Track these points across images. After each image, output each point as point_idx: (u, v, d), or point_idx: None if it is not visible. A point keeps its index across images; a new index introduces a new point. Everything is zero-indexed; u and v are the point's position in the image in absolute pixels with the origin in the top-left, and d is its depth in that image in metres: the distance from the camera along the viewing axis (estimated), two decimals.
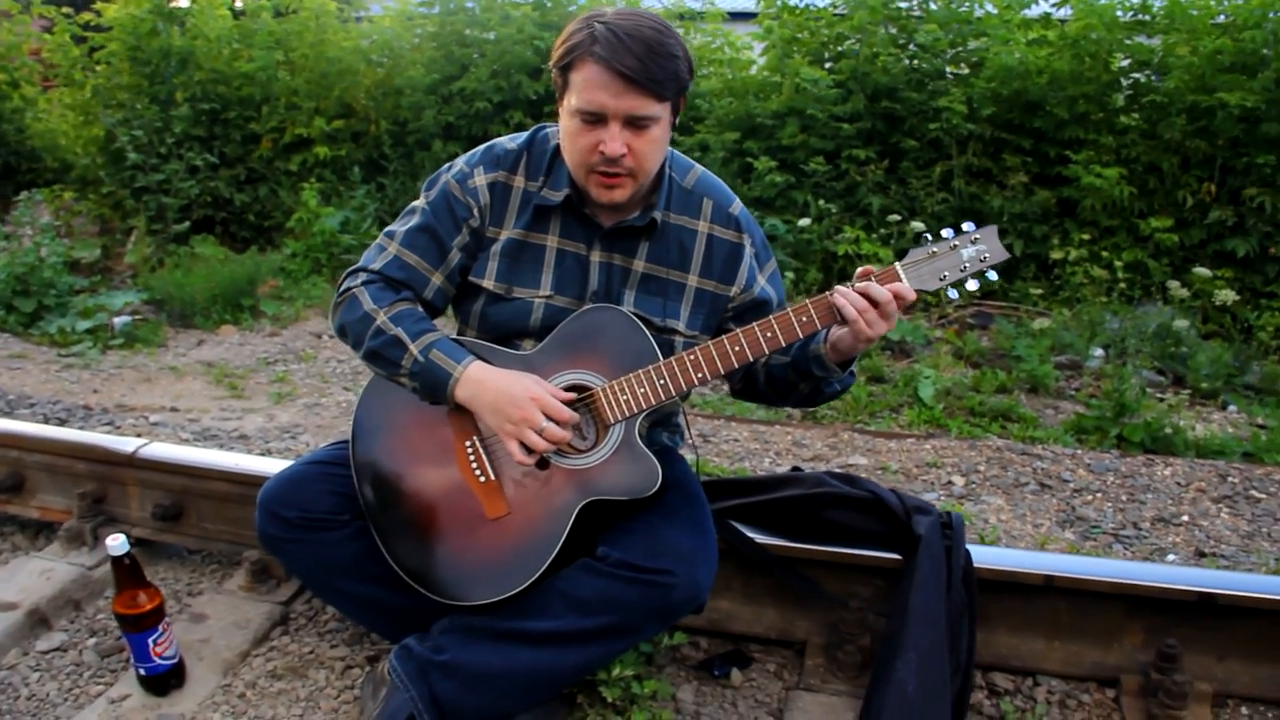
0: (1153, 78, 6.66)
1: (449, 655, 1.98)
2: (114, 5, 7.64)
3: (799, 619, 2.36)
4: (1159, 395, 4.90)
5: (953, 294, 1.99)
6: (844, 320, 1.89)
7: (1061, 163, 6.78)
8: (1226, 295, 5.26)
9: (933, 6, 7.45)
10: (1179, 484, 3.58)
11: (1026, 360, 5.30)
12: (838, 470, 2.78)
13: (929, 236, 1.98)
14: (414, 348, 1.92)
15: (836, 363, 2.00)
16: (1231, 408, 4.92)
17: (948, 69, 7.46)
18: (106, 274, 7.06)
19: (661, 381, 1.94)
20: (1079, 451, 3.91)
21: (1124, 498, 3.48)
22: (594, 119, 1.87)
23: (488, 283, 2.06)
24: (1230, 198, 6.21)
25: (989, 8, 7.35)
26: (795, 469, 2.69)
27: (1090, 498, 3.47)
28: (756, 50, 8.29)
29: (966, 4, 7.43)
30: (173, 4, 8.09)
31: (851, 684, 2.21)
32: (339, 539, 2.06)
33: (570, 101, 1.89)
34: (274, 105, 7.72)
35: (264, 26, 7.78)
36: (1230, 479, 3.60)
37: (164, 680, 2.18)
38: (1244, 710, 2.15)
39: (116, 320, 5.70)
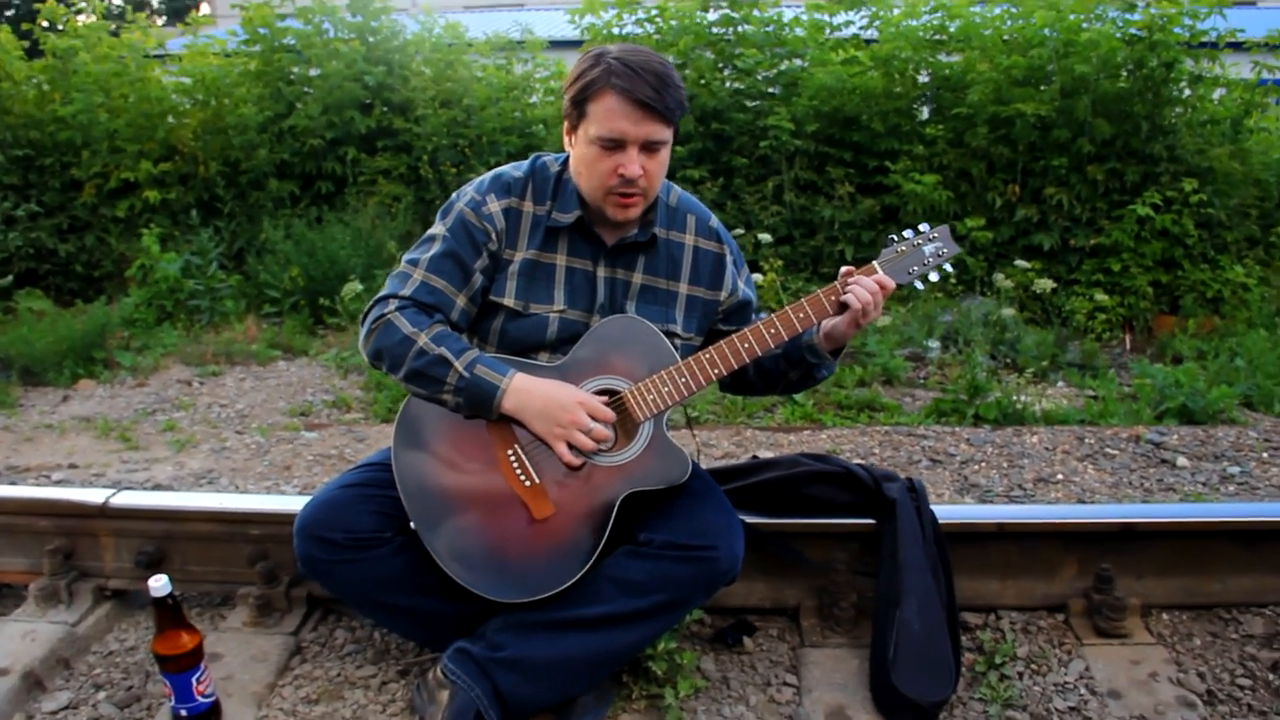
0: (954, 92, 7.38)
1: (508, 651, 2.11)
2: None
3: (787, 588, 2.61)
4: (997, 378, 5.49)
5: (919, 285, 2.32)
6: (843, 311, 2.18)
7: (881, 172, 7.41)
8: (1045, 284, 5.94)
9: (744, 30, 7.94)
10: (1047, 449, 4.08)
11: (879, 355, 5.79)
12: (809, 451, 3.05)
13: (894, 238, 2.30)
14: (459, 364, 2.05)
15: (829, 350, 2.28)
16: (1061, 383, 5.57)
17: (767, 90, 7.98)
18: None
19: (683, 380, 2.16)
20: (957, 429, 4.37)
21: (1005, 464, 3.94)
22: (614, 145, 2.08)
23: (508, 300, 2.21)
24: (1033, 197, 6.99)
25: (799, 31, 7.93)
26: (754, 457, 2.96)
27: (977, 467, 3.92)
28: None
29: (773, 26, 7.99)
30: None
31: (849, 637, 2.48)
32: (384, 555, 2.16)
33: (589, 131, 2.09)
34: (95, 149, 7.38)
35: (80, 67, 7.41)
36: (1087, 440, 4.14)
37: (206, 719, 2.19)
38: (1165, 617, 2.56)
39: None
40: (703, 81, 7.79)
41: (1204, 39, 6.70)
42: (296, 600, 2.63)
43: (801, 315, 2.20)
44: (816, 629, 2.52)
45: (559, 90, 8.42)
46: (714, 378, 2.19)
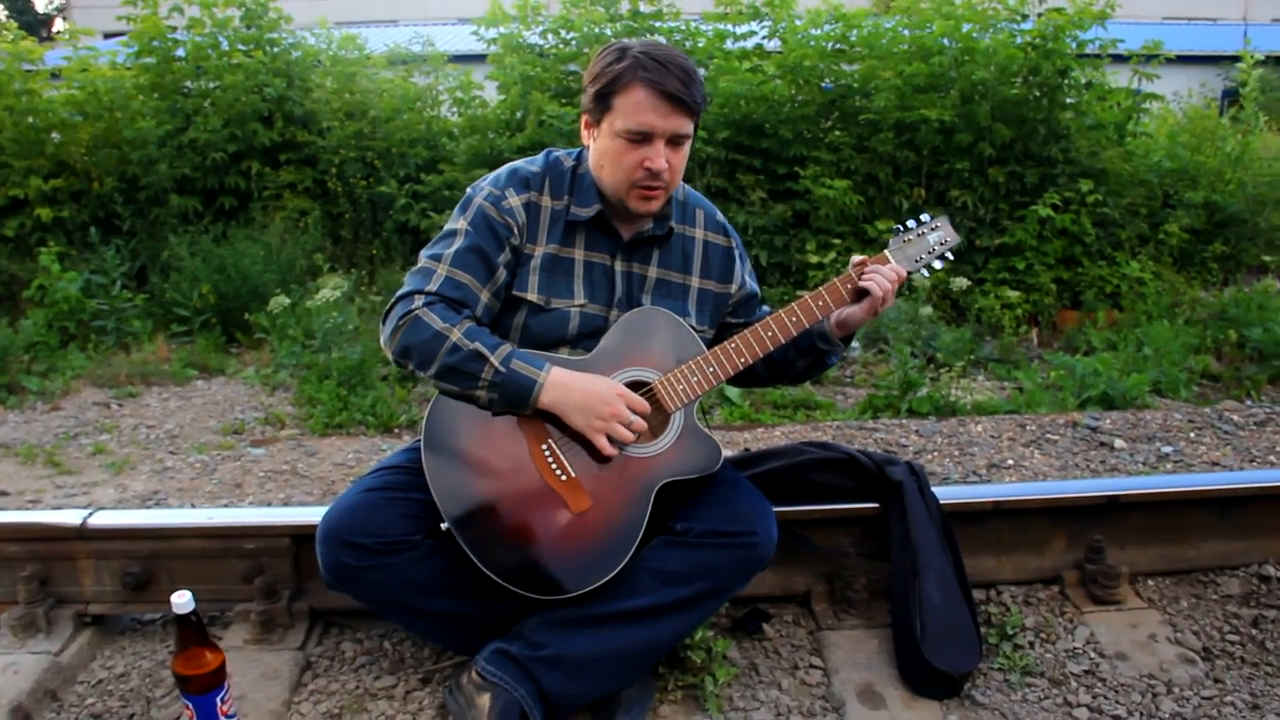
0: (860, 99, 7.58)
1: (551, 649, 2.09)
2: None
3: (795, 575, 2.65)
4: (924, 374, 5.67)
5: (924, 274, 2.40)
6: (859, 299, 2.24)
7: (791, 178, 7.56)
8: (961, 283, 6.17)
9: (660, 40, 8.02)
10: (992, 437, 4.24)
11: None
12: (813, 440, 3.10)
13: (899, 228, 2.38)
14: (494, 359, 2.03)
15: (840, 337, 2.33)
16: (981, 377, 5.80)
17: None
18: None
19: (711, 369, 2.18)
20: (905, 421, 4.50)
21: (956, 452, 4.08)
22: (642, 138, 2.09)
23: (531, 295, 2.20)
24: (938, 200, 7.24)
25: (700, 43, 8.05)
26: (746, 450, 2.99)
27: (931, 456, 4.04)
28: (489, 90, 8.52)
29: (680, 35, 8.10)
30: None
31: (863, 618, 2.53)
32: (415, 559, 2.10)
33: (615, 124, 2.09)
34: None
35: None
36: (1028, 427, 4.32)
37: None
38: (1150, 583, 2.70)
39: None
40: None
41: (1088, 48, 7.08)
42: (299, 615, 2.54)
43: (820, 303, 2.25)
44: (830, 613, 2.57)
45: (467, 100, 8.36)
46: (740, 366, 2.21)
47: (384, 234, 7.75)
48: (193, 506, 3.58)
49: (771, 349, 2.23)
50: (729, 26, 8.08)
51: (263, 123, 7.69)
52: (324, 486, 3.86)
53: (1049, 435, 4.24)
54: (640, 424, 2.08)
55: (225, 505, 3.62)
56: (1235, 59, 9.66)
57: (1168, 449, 4.05)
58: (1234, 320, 6.25)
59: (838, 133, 7.53)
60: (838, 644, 2.44)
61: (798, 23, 7.84)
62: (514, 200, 2.20)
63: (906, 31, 7.49)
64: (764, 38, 8.16)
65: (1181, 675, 2.31)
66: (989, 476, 3.83)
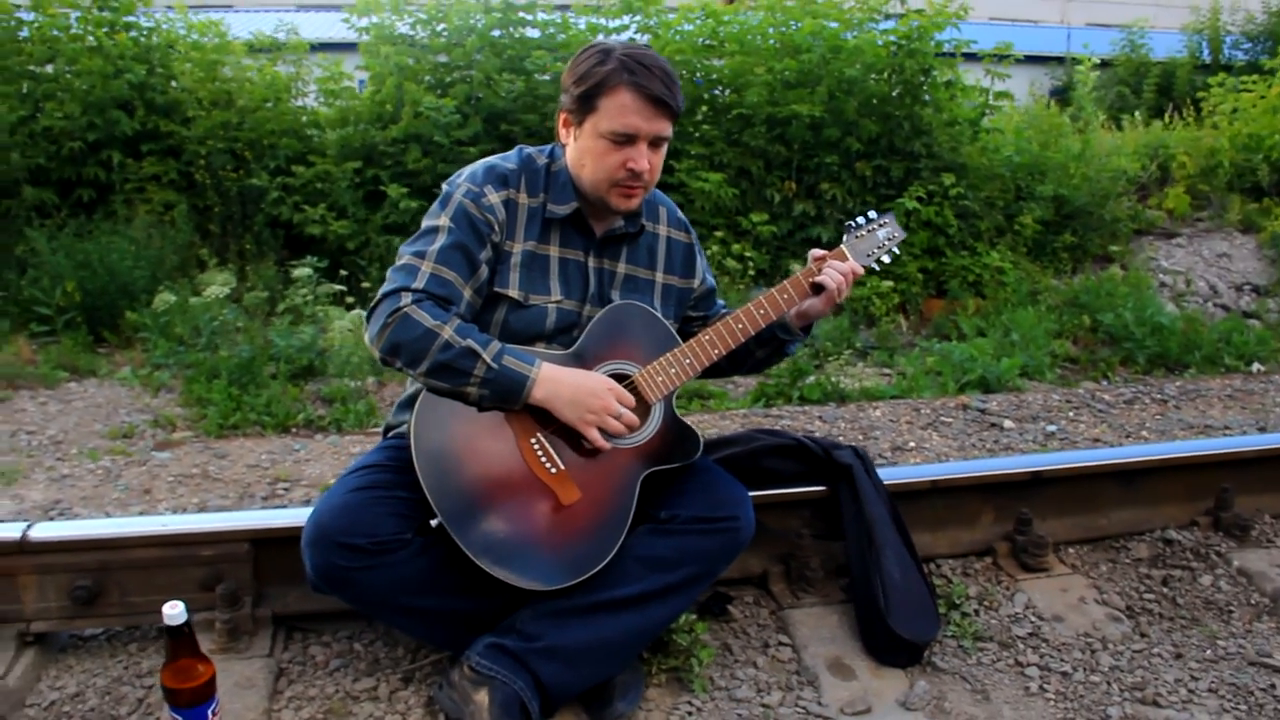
0: (727, 92, 7.77)
1: (546, 640, 2.13)
2: None
3: (751, 558, 2.76)
4: (807, 363, 5.89)
5: (875, 268, 2.53)
6: (818, 292, 2.36)
7: (665, 171, 7.68)
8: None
9: (525, 33, 8.01)
10: (891, 420, 4.47)
11: None
12: (763, 427, 3.20)
13: (851, 224, 2.50)
14: (487, 356, 2.05)
15: (800, 327, 2.45)
16: (862, 364, 6.07)
17: (554, 92, 8.09)
18: None
19: (688, 360, 2.26)
20: (808, 408, 4.68)
21: (860, 437, 4.28)
22: (626, 140, 2.14)
23: (512, 292, 2.22)
24: (808, 193, 7.50)
25: (572, 35, 8.09)
26: None
27: (838, 440, 4.23)
28: (361, 80, 8.33)
29: (554, 29, 8.13)
30: None
31: (820, 595, 2.66)
32: (407, 558, 2.10)
33: (599, 125, 2.14)
34: None
35: None
36: (923, 411, 4.57)
37: None
38: (1071, 550, 2.93)
39: None
40: (489, 83, 7.78)
41: (944, 48, 7.49)
42: (262, 621, 2.48)
43: (785, 296, 2.36)
44: (788, 592, 2.69)
45: (338, 91, 8.15)
46: (715, 357, 2.30)
47: (255, 228, 7.47)
48: (108, 515, 3.41)
49: (743, 340, 2.32)
50: (601, 20, 8.15)
51: (123, 111, 7.30)
52: (240, 489, 3.74)
53: (943, 418, 4.50)
54: (631, 417, 2.14)
55: (143, 510, 3.47)
56: (1060, 60, 10.35)
57: (1052, 428, 4.36)
58: (1085, 306, 6.74)
59: (707, 127, 7.70)
60: (801, 621, 2.57)
61: (669, 17, 7.99)
62: (494, 197, 2.22)
63: (773, 29, 7.73)
64: (636, 31, 8.26)
65: (1113, 632, 2.53)
66: (895, 458, 4.04)
